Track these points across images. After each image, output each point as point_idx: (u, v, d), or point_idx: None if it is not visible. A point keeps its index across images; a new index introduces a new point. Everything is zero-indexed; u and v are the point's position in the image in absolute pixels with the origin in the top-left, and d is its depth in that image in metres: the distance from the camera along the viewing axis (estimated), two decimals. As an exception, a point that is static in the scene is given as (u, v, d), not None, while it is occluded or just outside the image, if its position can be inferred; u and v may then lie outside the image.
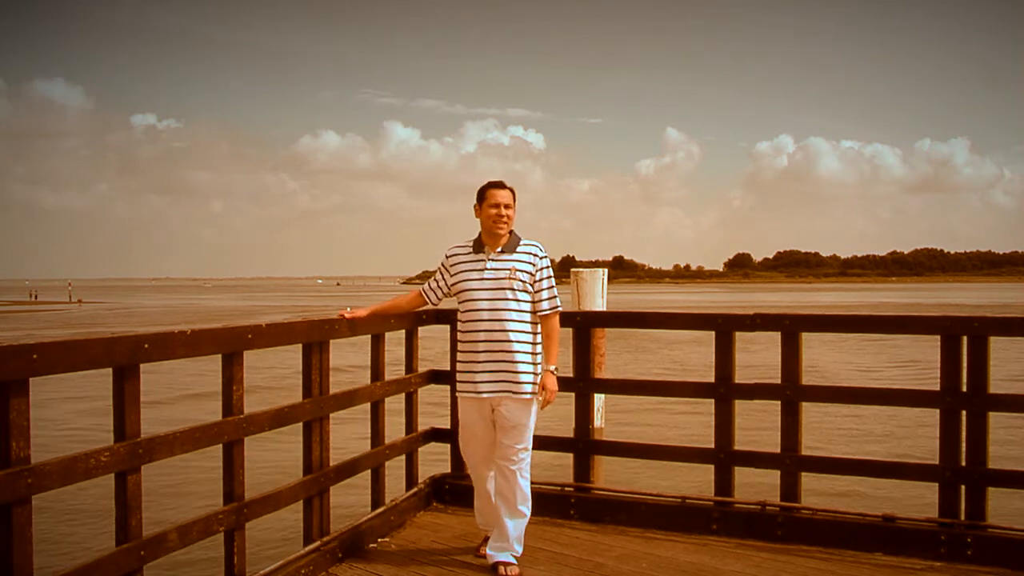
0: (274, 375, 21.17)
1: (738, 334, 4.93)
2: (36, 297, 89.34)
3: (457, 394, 4.58)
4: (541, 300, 4.43)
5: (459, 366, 4.53)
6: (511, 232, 4.48)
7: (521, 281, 4.38)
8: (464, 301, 4.47)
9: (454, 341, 5.49)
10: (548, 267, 4.49)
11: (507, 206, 4.43)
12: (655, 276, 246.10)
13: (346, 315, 4.64)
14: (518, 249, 4.45)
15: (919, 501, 4.85)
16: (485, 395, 4.38)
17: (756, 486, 5.30)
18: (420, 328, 5.42)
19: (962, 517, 4.46)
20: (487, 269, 4.41)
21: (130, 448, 3.34)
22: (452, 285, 4.53)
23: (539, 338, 4.46)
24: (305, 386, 4.47)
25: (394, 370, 5.20)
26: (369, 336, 4.99)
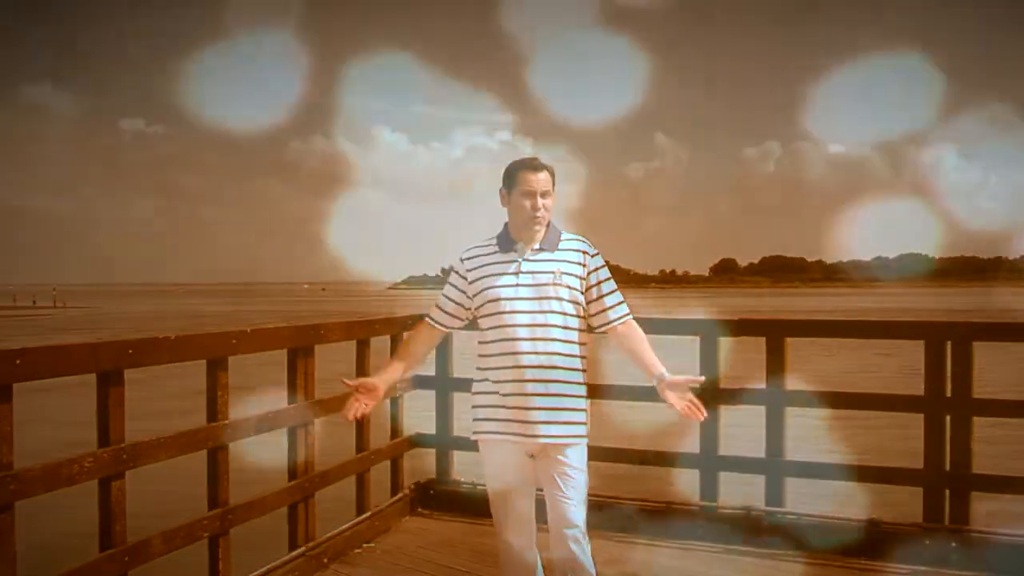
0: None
1: (722, 339, 4.95)
2: (35, 303, 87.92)
3: (485, 436, 3.38)
4: (605, 310, 3.38)
5: (485, 398, 3.38)
6: (548, 224, 3.41)
7: (568, 288, 3.30)
8: (492, 314, 3.34)
9: (443, 347, 5.49)
10: (604, 266, 3.43)
11: (545, 194, 3.34)
12: (641, 281, 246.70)
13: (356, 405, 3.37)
14: (560, 246, 3.37)
15: (904, 506, 4.87)
16: (539, 440, 3.27)
17: (741, 491, 5.31)
18: (405, 334, 5.41)
19: (946, 521, 4.48)
20: (523, 272, 3.33)
21: (114, 454, 3.34)
22: (475, 295, 3.39)
23: (585, 363, 3.38)
24: (290, 391, 4.47)
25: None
26: (355, 342, 4.99)
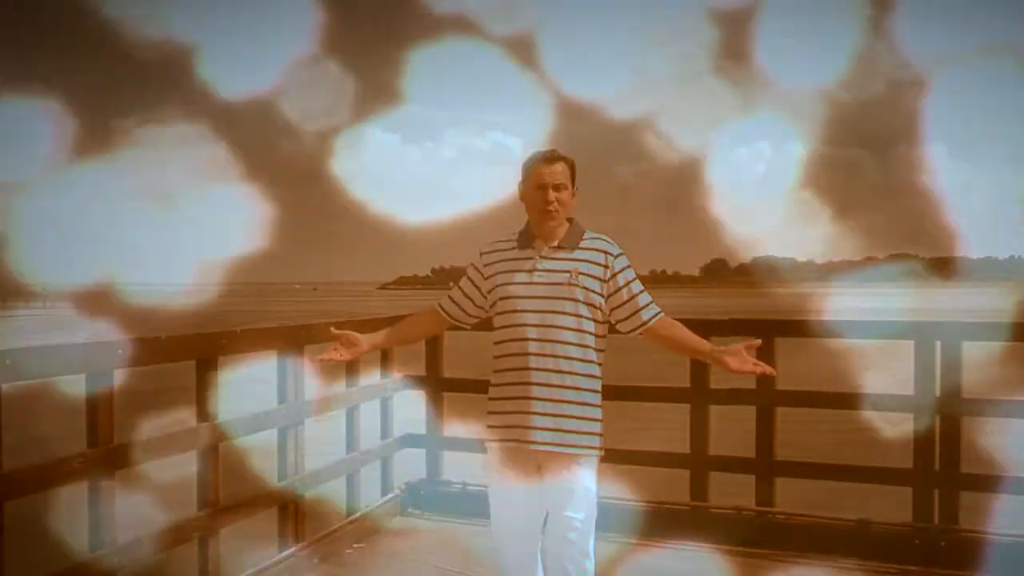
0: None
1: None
2: (28, 303, 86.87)
3: (488, 442, 3.25)
4: (638, 310, 3.19)
5: (493, 404, 3.23)
6: (571, 221, 3.24)
7: (584, 289, 3.11)
8: (504, 313, 3.18)
9: (434, 347, 5.49)
10: (628, 267, 3.22)
11: (559, 187, 3.16)
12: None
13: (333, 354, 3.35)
14: (582, 244, 3.19)
15: (893, 505, 4.88)
16: (540, 447, 3.09)
17: (731, 491, 5.32)
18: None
19: (936, 521, 4.50)
20: (538, 271, 3.15)
21: (103, 454, 3.33)
22: (490, 292, 3.26)
23: (600, 369, 3.21)
24: (280, 392, 4.46)
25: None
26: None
